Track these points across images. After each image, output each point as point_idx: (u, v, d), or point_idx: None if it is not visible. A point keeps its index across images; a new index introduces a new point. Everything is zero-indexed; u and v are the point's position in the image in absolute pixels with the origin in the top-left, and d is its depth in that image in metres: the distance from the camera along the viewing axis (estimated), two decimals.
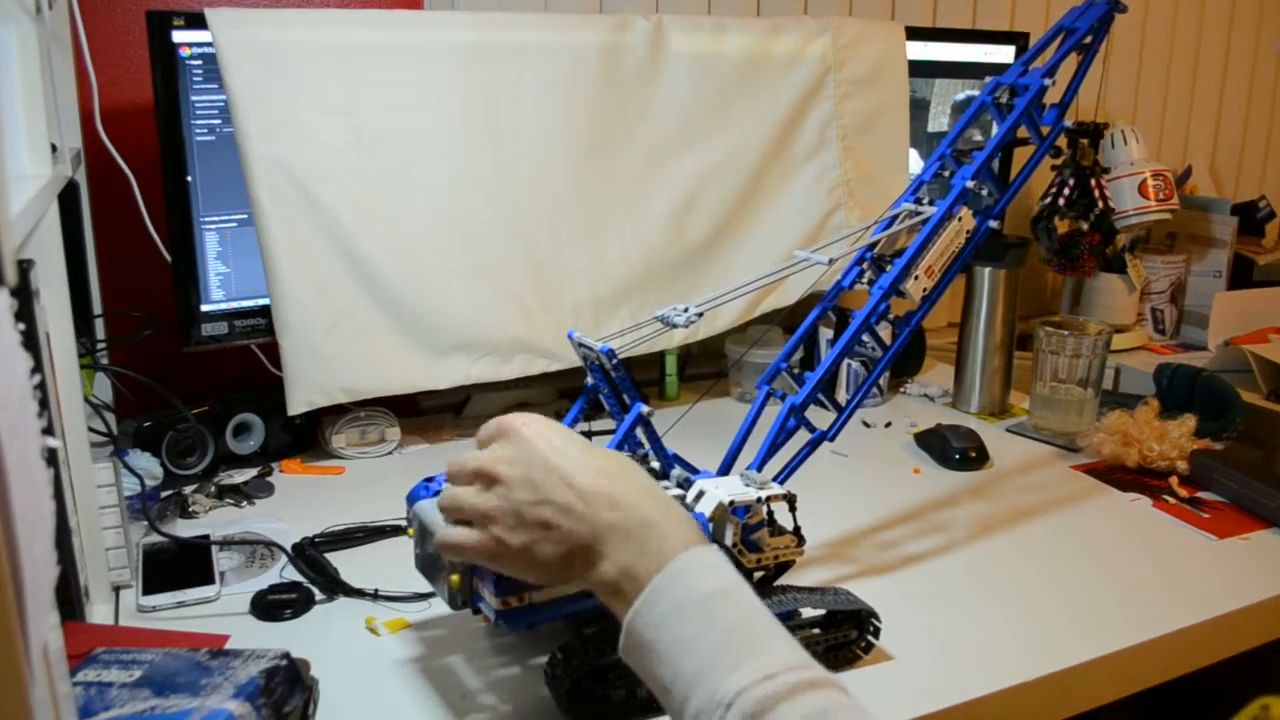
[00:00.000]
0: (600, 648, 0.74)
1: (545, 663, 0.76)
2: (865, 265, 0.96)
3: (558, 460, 0.64)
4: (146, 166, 1.15)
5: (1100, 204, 1.12)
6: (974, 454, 1.23)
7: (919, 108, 1.51)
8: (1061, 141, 1.15)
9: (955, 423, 1.31)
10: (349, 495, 1.13)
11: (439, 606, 0.88)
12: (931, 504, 1.13)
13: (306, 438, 1.26)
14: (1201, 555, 1.03)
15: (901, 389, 1.53)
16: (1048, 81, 0.96)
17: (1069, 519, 1.10)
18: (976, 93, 1.01)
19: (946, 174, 0.99)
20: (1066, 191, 1.13)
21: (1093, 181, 1.13)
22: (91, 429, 0.95)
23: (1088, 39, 1.01)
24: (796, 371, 0.92)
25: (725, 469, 0.88)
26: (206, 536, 1.00)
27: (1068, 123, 0.99)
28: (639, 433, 0.82)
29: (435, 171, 1.19)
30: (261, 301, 1.18)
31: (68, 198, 0.96)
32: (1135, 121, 1.95)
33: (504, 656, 0.83)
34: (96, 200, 1.19)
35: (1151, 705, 1.01)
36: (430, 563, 0.78)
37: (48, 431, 0.40)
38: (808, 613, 0.81)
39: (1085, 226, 1.13)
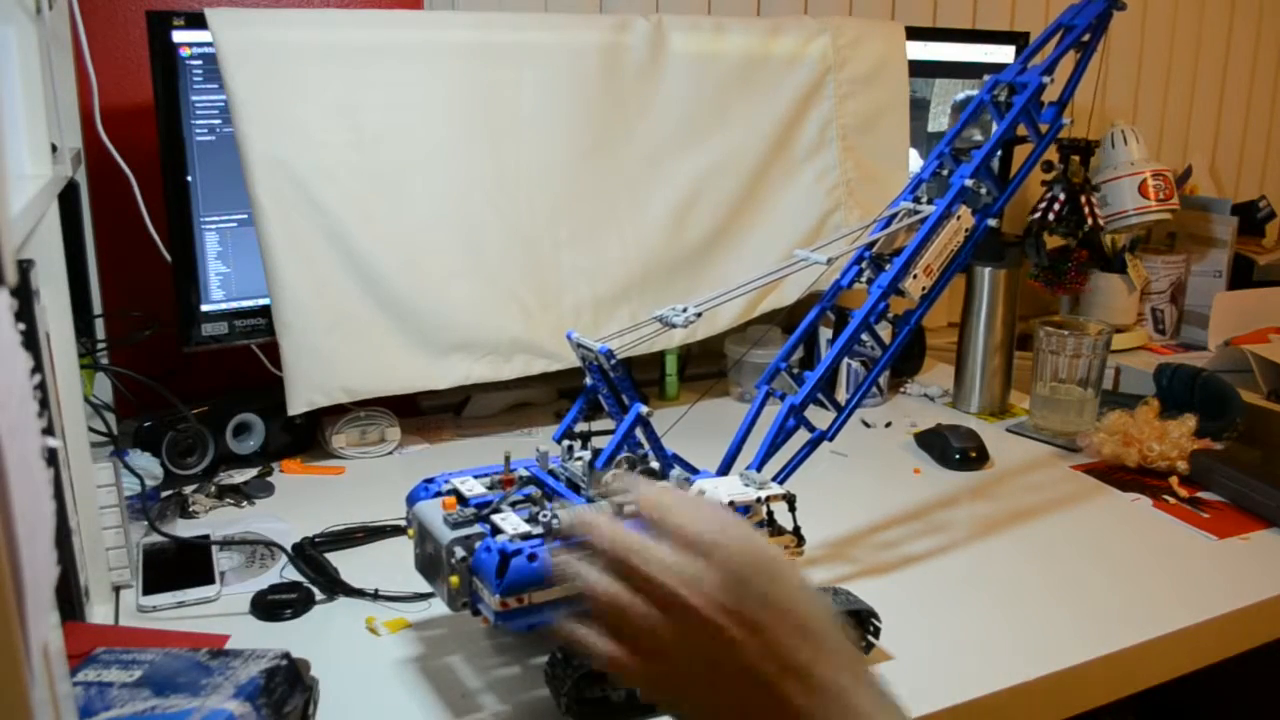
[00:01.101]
0: None
1: (545, 663, 0.76)
2: (864, 264, 0.96)
3: (802, 604, 0.50)
4: (146, 166, 1.15)
5: (1090, 221, 1.12)
6: (974, 454, 1.23)
7: (919, 108, 1.51)
8: (1053, 156, 1.14)
9: (955, 423, 1.31)
10: (349, 495, 1.13)
11: (439, 606, 0.88)
12: (931, 504, 1.13)
13: (307, 438, 1.26)
14: (1201, 555, 1.03)
15: (901, 389, 1.53)
16: (1046, 79, 0.96)
17: (1069, 519, 1.10)
18: (976, 92, 1.01)
19: (945, 173, 0.99)
20: (1057, 207, 1.13)
21: (1083, 198, 1.13)
22: (91, 429, 0.95)
23: (1086, 36, 1.01)
24: (796, 371, 0.92)
25: (725, 469, 0.88)
26: (206, 536, 1.00)
27: (1066, 120, 0.99)
28: (638, 433, 0.82)
29: (435, 171, 1.19)
30: (261, 301, 1.18)
31: (68, 198, 0.96)
32: (1135, 121, 1.95)
33: (504, 656, 0.83)
34: (96, 200, 1.19)
35: (1151, 705, 1.01)
36: (430, 563, 0.78)
37: (48, 431, 0.40)
38: None
39: (1073, 243, 1.13)
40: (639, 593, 0.51)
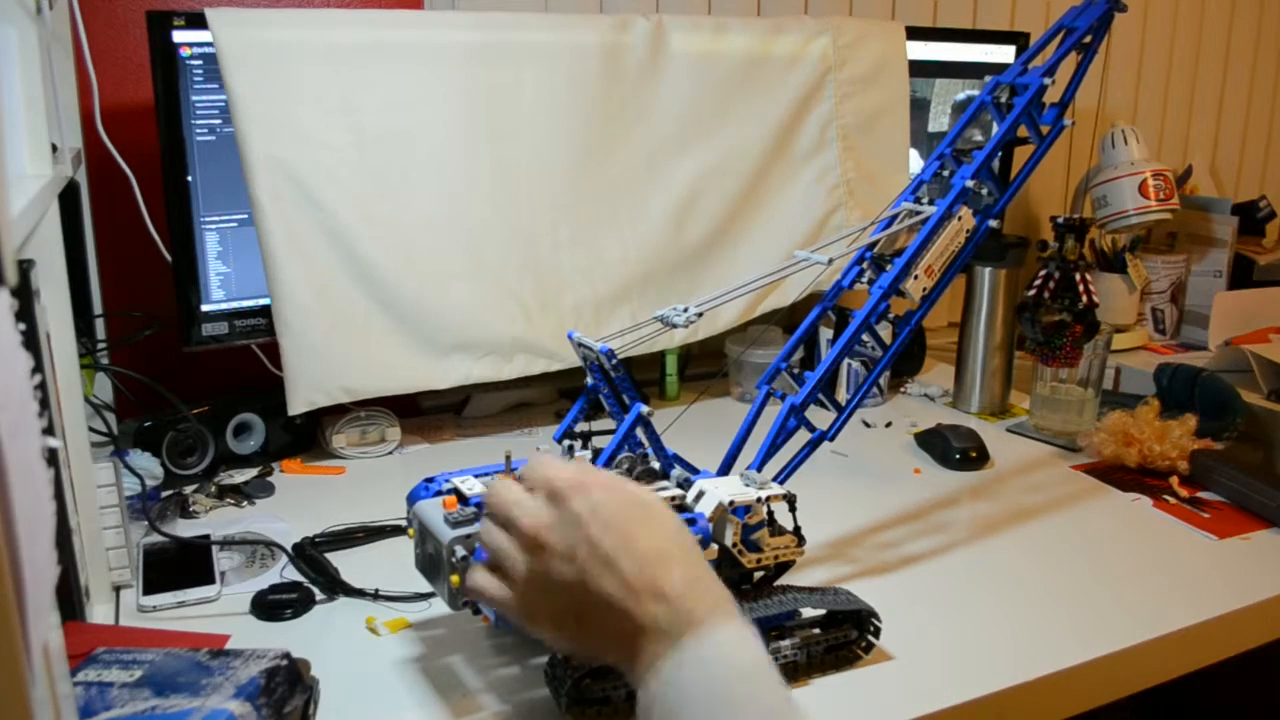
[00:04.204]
0: None
1: (545, 663, 0.76)
2: (865, 265, 0.96)
3: (608, 545, 0.59)
4: (146, 166, 1.15)
5: (1084, 300, 1.15)
6: (974, 454, 1.23)
7: (919, 108, 1.51)
8: (1049, 235, 1.19)
9: (955, 423, 1.31)
10: (349, 495, 1.13)
11: (439, 606, 0.88)
12: (931, 504, 1.13)
13: (307, 438, 1.26)
14: (1201, 555, 1.03)
15: (902, 389, 1.53)
16: (1047, 81, 0.96)
17: (1069, 519, 1.10)
18: (977, 92, 1.01)
19: (946, 173, 0.99)
20: (1052, 285, 1.16)
21: (1077, 276, 1.16)
22: (92, 429, 0.95)
23: (1087, 38, 1.01)
24: (796, 371, 0.92)
25: (725, 469, 0.88)
26: (207, 536, 1.00)
27: (1068, 121, 0.99)
28: (639, 433, 0.82)
29: (435, 171, 1.19)
30: (262, 301, 1.18)
31: (68, 198, 0.96)
32: (1135, 121, 1.95)
33: (504, 656, 0.83)
34: (97, 200, 1.19)
35: (1151, 705, 1.01)
36: (430, 563, 0.78)
37: (48, 431, 0.40)
38: (808, 613, 0.81)
39: (1069, 318, 1.16)
40: (512, 537, 0.62)
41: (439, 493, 0.80)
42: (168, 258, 1.16)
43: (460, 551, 0.74)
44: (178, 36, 1.09)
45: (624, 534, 0.59)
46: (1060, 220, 1.18)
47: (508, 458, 0.84)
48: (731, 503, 0.78)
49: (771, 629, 0.80)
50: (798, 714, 0.56)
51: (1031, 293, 1.18)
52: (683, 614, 0.57)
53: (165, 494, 1.10)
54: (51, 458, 0.40)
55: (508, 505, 0.63)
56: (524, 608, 0.62)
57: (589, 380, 0.87)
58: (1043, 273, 1.18)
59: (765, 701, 0.56)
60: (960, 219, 0.93)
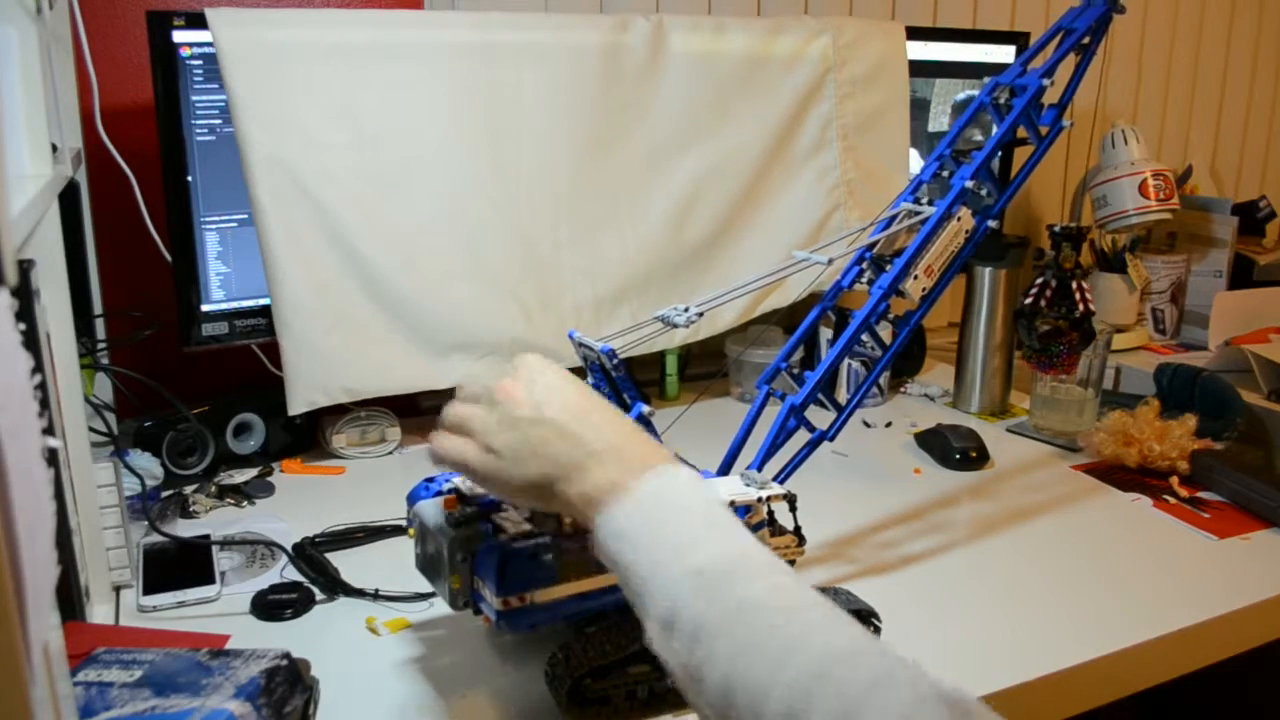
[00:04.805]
0: (601, 648, 0.74)
1: (545, 663, 0.76)
2: (864, 265, 0.96)
3: (558, 383, 0.68)
4: (146, 166, 1.15)
5: (1081, 307, 1.16)
6: (974, 454, 1.23)
7: (919, 108, 1.51)
8: (1045, 244, 1.19)
9: (955, 423, 1.31)
10: (349, 495, 1.13)
11: (439, 606, 0.88)
12: (931, 504, 1.13)
13: (307, 438, 1.26)
14: (1201, 555, 1.03)
15: (902, 389, 1.53)
16: (1046, 82, 0.97)
17: (1069, 519, 1.10)
18: (977, 93, 1.01)
19: (945, 174, 0.99)
20: (1048, 293, 1.17)
21: (1074, 284, 1.17)
22: (92, 429, 0.95)
23: (1086, 39, 1.01)
24: (796, 371, 0.92)
25: (725, 469, 0.88)
26: (207, 536, 1.00)
27: (1066, 123, 0.99)
28: None
29: (436, 171, 1.19)
30: (262, 301, 1.18)
31: (68, 198, 0.96)
32: (1135, 121, 1.95)
33: (504, 656, 0.83)
34: (96, 200, 1.19)
35: (1151, 705, 1.01)
36: (431, 563, 0.78)
37: (48, 431, 0.40)
38: None
39: (1065, 325, 1.16)
40: (469, 404, 0.70)
41: (439, 493, 0.80)
42: (168, 258, 1.16)
43: (461, 552, 0.74)
44: (178, 36, 1.09)
45: (566, 384, 0.68)
46: (1057, 229, 1.18)
47: None
48: (732, 503, 0.78)
49: None
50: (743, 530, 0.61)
51: (1028, 300, 1.19)
52: (630, 452, 0.64)
53: (165, 494, 1.10)
54: (51, 458, 0.40)
55: (463, 393, 0.71)
56: (480, 454, 0.68)
57: (590, 380, 0.87)
58: (1039, 280, 1.19)
59: (724, 516, 0.62)
60: (959, 219, 0.93)
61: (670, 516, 0.61)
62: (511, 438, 0.67)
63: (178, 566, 0.94)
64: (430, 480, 0.82)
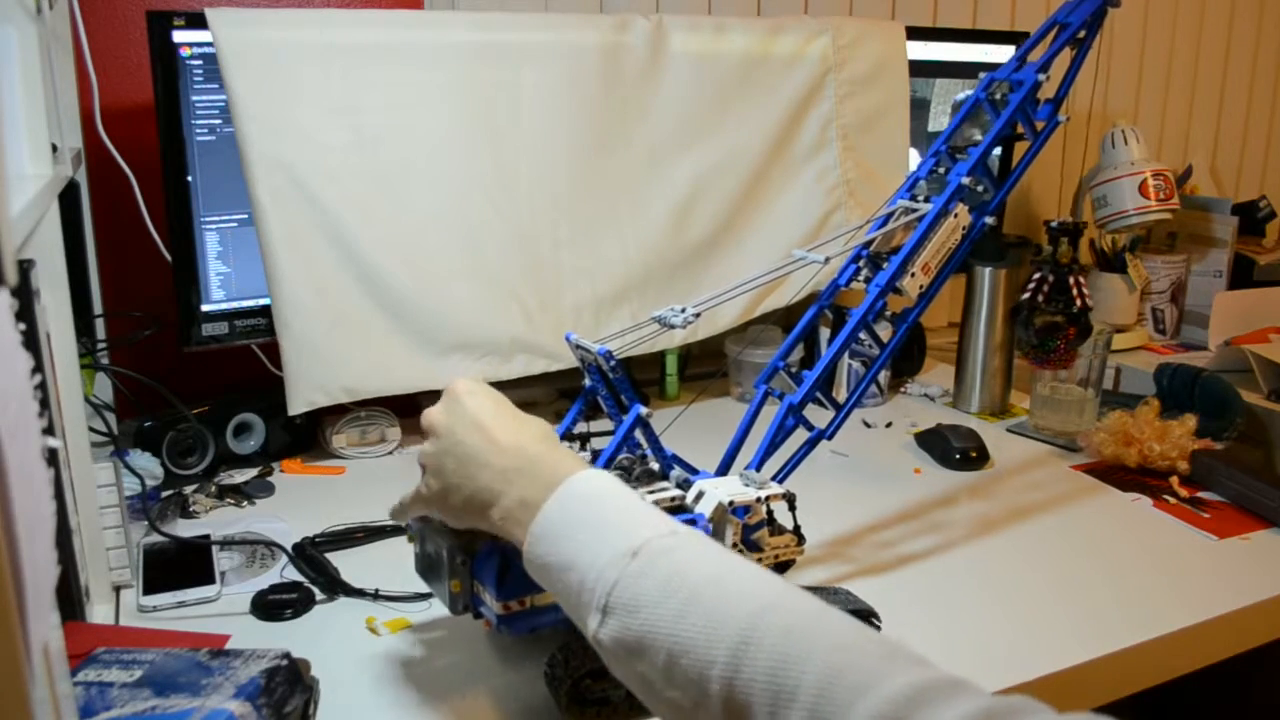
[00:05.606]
0: None
1: (545, 663, 0.76)
2: (861, 263, 0.96)
3: (473, 407, 0.70)
4: (146, 166, 1.15)
5: (1078, 302, 1.16)
6: (974, 454, 1.23)
7: (919, 107, 1.51)
8: (1043, 239, 1.19)
9: (955, 422, 1.31)
10: (349, 495, 1.13)
11: (439, 607, 0.87)
12: (931, 504, 1.13)
13: (307, 438, 1.26)
14: (1201, 555, 1.03)
15: (902, 389, 1.53)
16: (1041, 77, 0.96)
17: (1069, 519, 1.10)
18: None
19: (942, 170, 0.99)
20: (1046, 289, 1.17)
21: (1071, 279, 1.17)
22: (92, 429, 0.95)
23: (1081, 34, 1.01)
24: (795, 370, 0.92)
25: (724, 468, 0.88)
26: (207, 536, 1.00)
27: (1063, 117, 0.99)
28: (638, 434, 0.82)
29: (436, 171, 1.19)
30: (262, 301, 1.18)
31: (68, 198, 0.96)
32: (1136, 121, 1.95)
33: (504, 657, 0.83)
34: (97, 200, 1.19)
35: (1151, 705, 1.01)
36: (431, 566, 0.78)
37: (48, 431, 0.40)
38: None
39: (1063, 320, 1.17)
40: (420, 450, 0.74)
41: None
42: (168, 258, 1.16)
43: (461, 556, 0.74)
44: (178, 36, 1.09)
45: (488, 409, 0.71)
46: (1054, 224, 1.19)
47: None
48: (731, 503, 0.78)
49: None
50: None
51: (1025, 296, 1.19)
52: (540, 468, 0.66)
53: (165, 494, 1.10)
54: (51, 458, 0.40)
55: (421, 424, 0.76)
56: (426, 491, 0.72)
57: (587, 382, 0.87)
58: (1036, 276, 1.19)
59: (645, 504, 0.63)
60: (956, 216, 0.93)
61: (590, 511, 0.62)
62: (436, 467, 0.70)
63: (178, 566, 0.94)
64: None
